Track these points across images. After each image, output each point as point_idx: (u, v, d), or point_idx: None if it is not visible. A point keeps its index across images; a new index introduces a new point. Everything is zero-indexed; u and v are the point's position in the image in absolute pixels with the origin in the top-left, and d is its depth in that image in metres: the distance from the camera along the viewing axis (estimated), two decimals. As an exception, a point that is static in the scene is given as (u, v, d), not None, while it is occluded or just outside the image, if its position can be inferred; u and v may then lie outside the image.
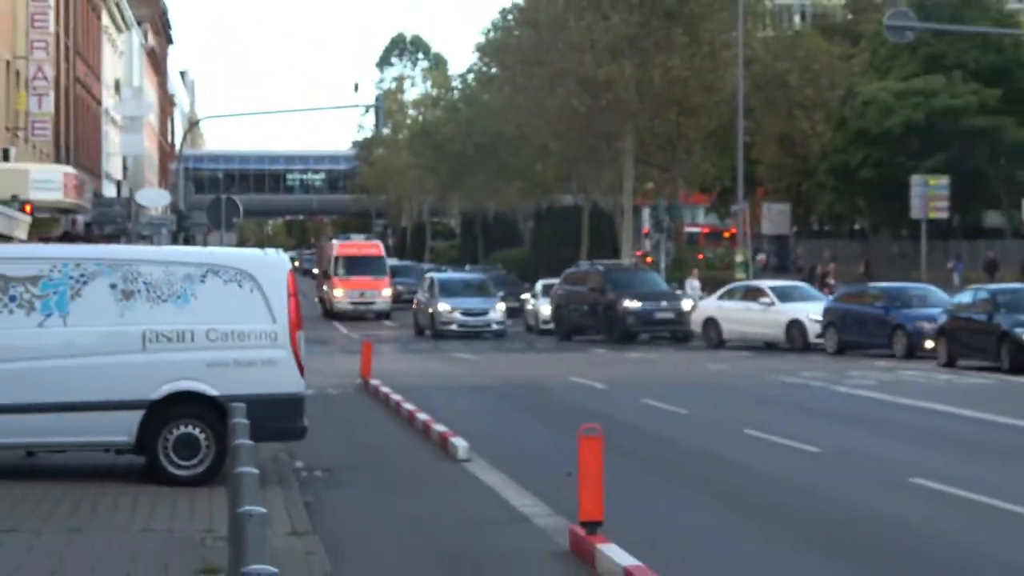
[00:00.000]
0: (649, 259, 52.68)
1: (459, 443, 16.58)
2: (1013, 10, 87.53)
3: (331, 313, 53.76)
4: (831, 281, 47.84)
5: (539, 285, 47.92)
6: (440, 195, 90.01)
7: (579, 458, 10.87)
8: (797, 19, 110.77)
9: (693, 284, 44.16)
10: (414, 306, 48.32)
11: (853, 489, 13.97)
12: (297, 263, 78.18)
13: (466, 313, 43.91)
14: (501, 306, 44.86)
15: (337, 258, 55.09)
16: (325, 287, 56.93)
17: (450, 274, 51.92)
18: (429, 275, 49.98)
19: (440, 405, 21.38)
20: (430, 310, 44.77)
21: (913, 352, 32.13)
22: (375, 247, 56.73)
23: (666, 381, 26.70)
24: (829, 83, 53.14)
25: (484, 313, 44.01)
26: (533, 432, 19.10)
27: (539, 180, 68.77)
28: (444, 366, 31.72)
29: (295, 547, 10.66)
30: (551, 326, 43.79)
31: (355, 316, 53.01)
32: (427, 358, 34.77)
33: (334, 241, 59.34)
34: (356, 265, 54.49)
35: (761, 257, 58.11)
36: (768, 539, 11.63)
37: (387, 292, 54.61)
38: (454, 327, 43.68)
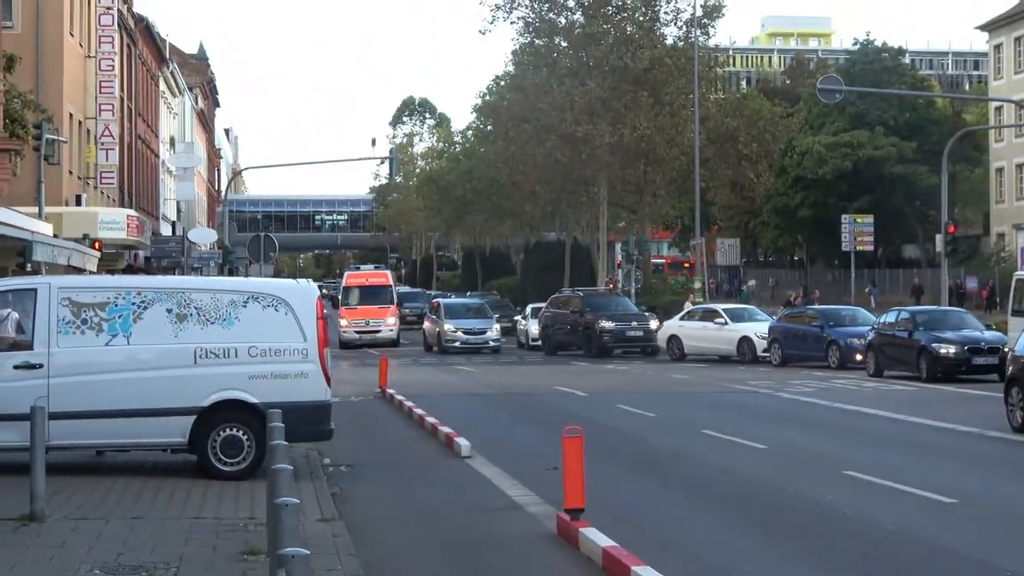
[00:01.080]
0: (613, 286, 52.67)
1: (462, 442, 16.47)
2: (926, 75, 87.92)
3: (341, 343, 45.50)
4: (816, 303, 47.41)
5: (529, 308, 47.79)
6: (444, 232, 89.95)
7: (563, 455, 10.80)
8: (744, 83, 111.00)
9: (689, 306, 43.41)
10: (424, 327, 48.16)
11: (795, 479, 13.88)
12: (324, 291, 77.89)
13: (467, 332, 43.76)
14: (497, 326, 44.73)
15: (345, 288, 48.84)
16: None
17: (454, 299, 51.80)
18: (436, 300, 49.82)
19: (446, 410, 21.23)
20: (437, 330, 44.66)
21: (845, 364, 32.03)
22: (382, 276, 49.45)
23: (637, 389, 26.57)
24: (772, 137, 53.15)
25: (483, 332, 43.84)
26: (525, 433, 18.96)
27: (528, 219, 68.80)
28: (450, 377, 31.56)
29: (324, 531, 10.59)
30: (539, 343, 43.67)
31: (361, 345, 45.60)
32: (435, 370, 34.63)
33: (346, 272, 53.25)
34: (363, 295, 47.64)
35: (751, 283, 57.57)
36: (725, 521, 11.57)
37: (392, 320, 47.08)
38: (457, 344, 43.55)
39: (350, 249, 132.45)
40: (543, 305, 44.75)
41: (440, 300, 48.60)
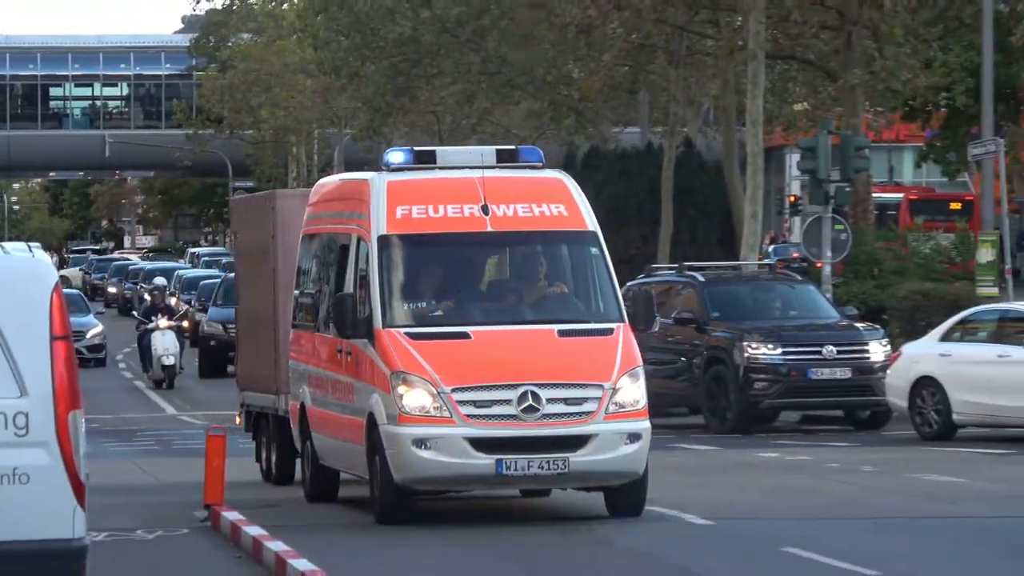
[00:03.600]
0: (820, 264, 53.14)
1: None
2: None
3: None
4: None
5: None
6: (369, 128, 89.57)
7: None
8: None
9: None
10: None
11: None
12: (80, 273, 77.02)
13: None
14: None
15: (384, 241, 33.62)
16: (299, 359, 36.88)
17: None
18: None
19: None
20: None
21: None
22: (550, 189, 31.39)
23: (832, 510, 26.84)
24: None
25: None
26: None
27: (568, 99, 68.80)
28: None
29: None
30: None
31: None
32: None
33: (366, 178, 36.06)
34: (467, 273, 31.00)
35: None
36: None
37: (633, 392, 34.94)
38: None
39: (135, 171, 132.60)
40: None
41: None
